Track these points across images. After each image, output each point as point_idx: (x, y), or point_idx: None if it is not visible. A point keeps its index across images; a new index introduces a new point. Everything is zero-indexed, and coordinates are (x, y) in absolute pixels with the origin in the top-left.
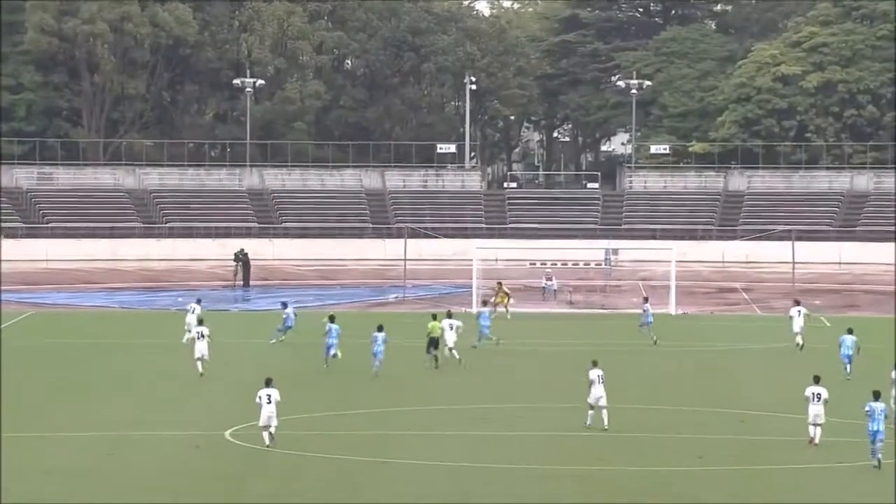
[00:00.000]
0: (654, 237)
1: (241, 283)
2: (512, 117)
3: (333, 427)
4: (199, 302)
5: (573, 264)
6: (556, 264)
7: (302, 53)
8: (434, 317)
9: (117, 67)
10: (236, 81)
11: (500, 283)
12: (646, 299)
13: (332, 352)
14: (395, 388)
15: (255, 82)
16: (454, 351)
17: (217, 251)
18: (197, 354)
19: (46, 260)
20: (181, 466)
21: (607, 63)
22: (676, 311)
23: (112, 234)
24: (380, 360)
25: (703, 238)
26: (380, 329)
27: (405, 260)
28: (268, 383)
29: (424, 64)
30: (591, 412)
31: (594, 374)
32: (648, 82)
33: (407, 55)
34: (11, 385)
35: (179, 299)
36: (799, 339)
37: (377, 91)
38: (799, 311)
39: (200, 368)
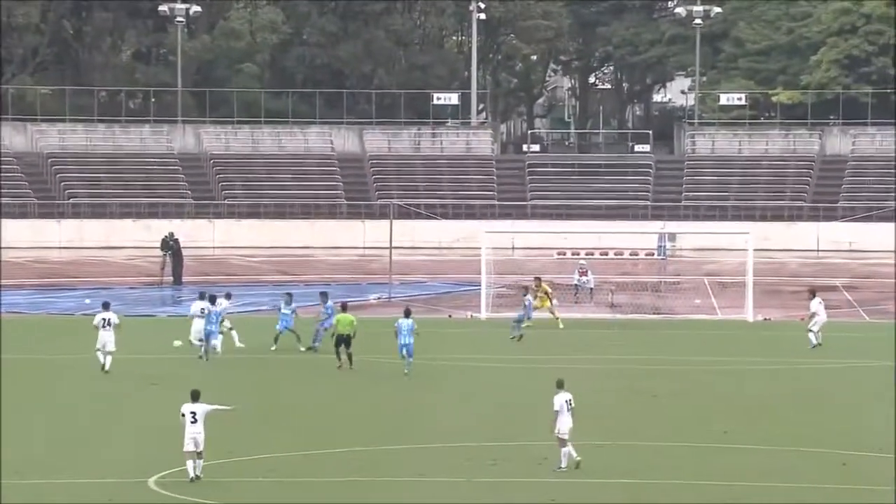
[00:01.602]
0: (724, 217)
1: (171, 278)
2: (534, 57)
3: (298, 471)
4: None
5: (616, 254)
6: (592, 254)
7: None
8: (343, 307)
9: None
10: (163, 8)
11: (538, 280)
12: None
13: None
14: (383, 419)
15: (188, 9)
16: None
17: (138, 236)
18: (99, 344)
19: None
20: None
21: None
22: (755, 316)
23: None
24: (410, 356)
25: (790, 219)
26: (407, 314)
27: (391, 248)
28: (194, 397)
29: None
30: (564, 450)
31: (560, 399)
32: (718, 9)
33: None
34: None
35: (87, 301)
36: (813, 339)
37: (353, 21)
38: (821, 304)
39: (102, 359)
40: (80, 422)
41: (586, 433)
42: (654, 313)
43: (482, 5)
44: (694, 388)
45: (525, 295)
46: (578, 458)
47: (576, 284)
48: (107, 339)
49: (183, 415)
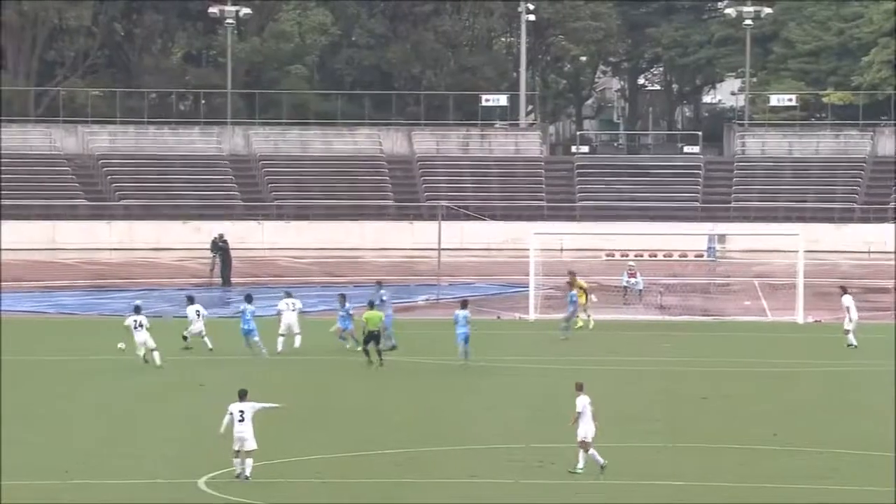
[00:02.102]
0: (775, 219)
1: (220, 280)
2: (583, 58)
3: (347, 473)
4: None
5: (665, 256)
6: (641, 256)
7: None
8: (371, 304)
9: None
10: (213, 10)
11: (572, 275)
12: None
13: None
14: (427, 420)
15: (238, 11)
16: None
17: (188, 238)
18: (139, 346)
19: None
20: None
21: None
22: (805, 318)
23: (46, 214)
24: (466, 346)
25: (841, 220)
26: (463, 306)
27: (439, 249)
28: (241, 396)
29: None
30: (590, 452)
31: (584, 402)
32: (768, 9)
33: None
34: None
35: (137, 302)
36: (852, 339)
37: (402, 23)
38: (852, 301)
39: (148, 358)
40: (129, 422)
41: (636, 435)
42: (703, 315)
43: (531, 6)
44: (744, 390)
45: (571, 291)
46: (604, 462)
47: (625, 286)
48: (144, 338)
49: (230, 413)
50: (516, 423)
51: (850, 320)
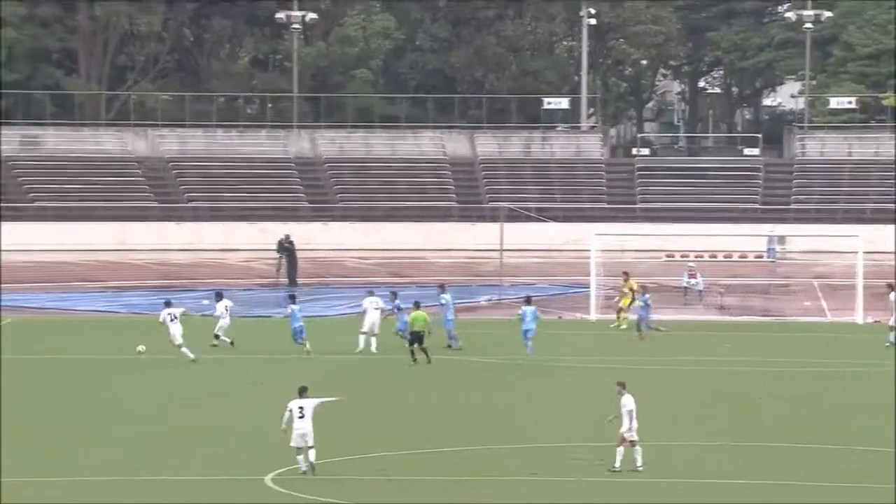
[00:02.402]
0: (834, 221)
1: (286, 280)
2: (643, 62)
3: (410, 470)
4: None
5: (725, 257)
6: (701, 257)
7: None
8: (417, 305)
9: None
10: (280, 15)
11: (626, 274)
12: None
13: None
14: (489, 418)
15: (304, 16)
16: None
17: (255, 238)
18: (177, 339)
19: (31, 250)
20: None
21: None
22: (865, 318)
23: (117, 216)
24: (529, 339)
25: None
26: (528, 302)
27: (501, 250)
28: (301, 392)
29: None
30: (636, 449)
31: (631, 401)
32: (828, 13)
33: None
34: None
35: (205, 302)
36: (892, 337)
37: (465, 27)
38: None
39: (191, 355)
40: (192, 420)
41: (696, 434)
42: (763, 315)
43: (592, 11)
44: (803, 390)
45: (644, 295)
46: (639, 466)
47: (685, 287)
48: (177, 331)
49: (290, 410)
50: (577, 422)
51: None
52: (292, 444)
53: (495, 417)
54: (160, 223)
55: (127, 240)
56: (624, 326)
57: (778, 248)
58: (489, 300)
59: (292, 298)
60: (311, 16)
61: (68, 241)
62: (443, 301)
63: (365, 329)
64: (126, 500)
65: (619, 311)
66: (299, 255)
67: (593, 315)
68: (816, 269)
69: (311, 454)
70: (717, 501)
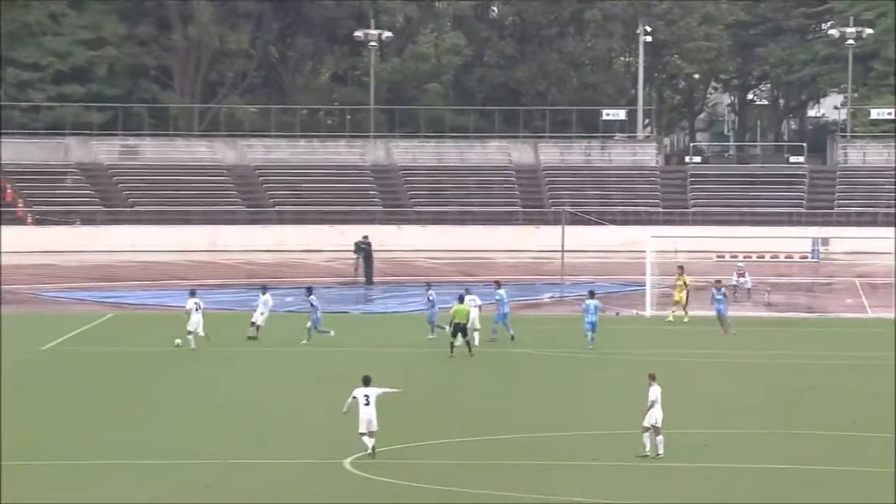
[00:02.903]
0: (874, 224)
1: (363, 279)
2: (696, 76)
3: (478, 455)
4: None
5: (772, 257)
6: (750, 257)
7: None
8: (461, 299)
9: (216, 17)
10: (358, 34)
11: (681, 269)
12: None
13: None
14: (549, 407)
15: (380, 35)
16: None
17: (334, 240)
18: (192, 326)
19: (130, 251)
20: (291, 502)
21: (817, 7)
22: None
23: (209, 219)
24: (594, 330)
25: None
26: (591, 296)
27: (563, 251)
28: (366, 382)
29: (588, 10)
30: (658, 438)
31: (656, 391)
32: (869, 30)
33: (567, 0)
34: (85, 403)
35: (289, 299)
36: None
37: (529, 44)
38: None
39: (193, 344)
40: (276, 408)
41: (744, 423)
42: (807, 312)
43: (648, 28)
44: (846, 382)
45: (719, 290)
46: (660, 453)
47: (734, 285)
48: (199, 319)
49: (354, 397)
50: (632, 411)
51: None
52: (361, 430)
53: (556, 406)
54: (248, 226)
55: (217, 241)
56: (670, 319)
57: (821, 248)
58: (551, 297)
59: (309, 291)
60: (387, 34)
61: (164, 243)
62: (497, 297)
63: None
64: (217, 483)
65: (675, 304)
66: (375, 255)
67: (648, 311)
68: (858, 269)
69: (373, 441)
70: (758, 484)
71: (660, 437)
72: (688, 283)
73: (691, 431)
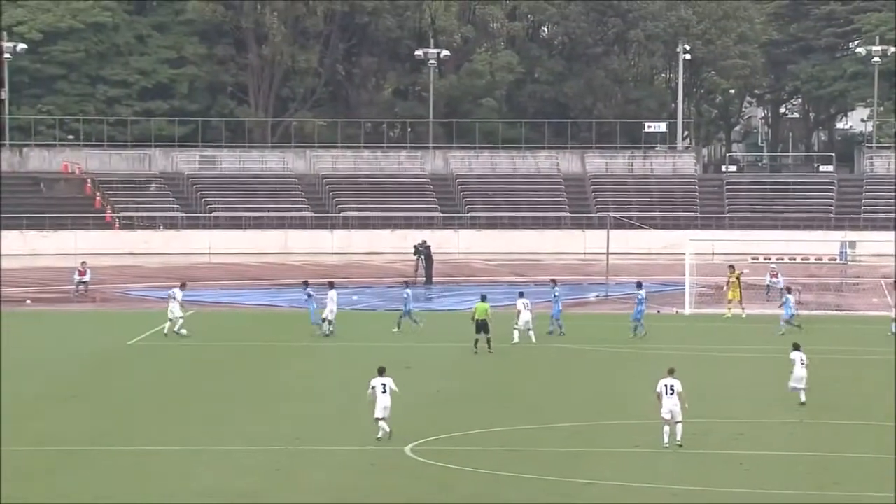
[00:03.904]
0: None
1: (423, 279)
2: (732, 91)
3: (527, 443)
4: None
5: (803, 259)
6: (782, 259)
7: (492, 20)
8: (483, 298)
9: (288, 38)
10: (418, 53)
11: (732, 268)
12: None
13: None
14: (594, 398)
15: (439, 53)
16: (531, 332)
17: (396, 243)
18: (173, 314)
19: (208, 253)
20: (355, 486)
21: (845, 27)
22: None
23: (281, 224)
24: (640, 322)
25: None
26: (639, 286)
27: (607, 254)
28: (381, 372)
29: (631, 31)
30: (666, 428)
31: (660, 384)
32: (893, 48)
33: (612, 21)
34: (166, 394)
35: (354, 297)
36: None
37: (577, 62)
38: None
39: (166, 330)
40: (344, 398)
41: (776, 412)
42: (836, 310)
43: (688, 47)
44: (873, 376)
45: (788, 293)
46: (679, 442)
47: (767, 285)
48: (175, 308)
49: (373, 387)
50: None
51: None
52: (376, 415)
53: (601, 397)
54: (316, 230)
55: (288, 244)
56: (728, 316)
57: (849, 251)
58: (597, 296)
59: (305, 284)
60: (445, 53)
61: (239, 246)
62: (556, 294)
63: (520, 325)
64: (286, 467)
65: (730, 301)
66: (434, 257)
67: (687, 310)
68: (883, 270)
69: (387, 425)
70: (785, 471)
71: (666, 428)
72: (740, 279)
73: (723, 421)
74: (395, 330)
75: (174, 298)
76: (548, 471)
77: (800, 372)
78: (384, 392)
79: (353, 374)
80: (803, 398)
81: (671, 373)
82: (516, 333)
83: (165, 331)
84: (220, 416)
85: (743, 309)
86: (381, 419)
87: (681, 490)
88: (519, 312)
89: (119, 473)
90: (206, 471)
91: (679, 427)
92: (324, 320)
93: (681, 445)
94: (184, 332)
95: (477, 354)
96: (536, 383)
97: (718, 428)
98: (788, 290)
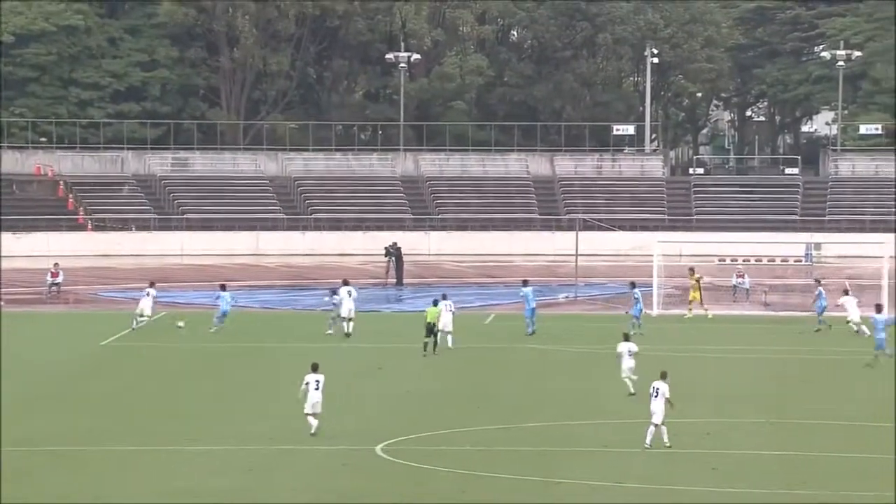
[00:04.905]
0: (862, 230)
1: (394, 280)
2: (699, 94)
3: (498, 442)
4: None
5: (769, 260)
6: (748, 260)
7: (462, 24)
8: (435, 302)
9: (259, 41)
10: (389, 56)
11: (692, 271)
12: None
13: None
14: (565, 398)
15: (409, 57)
16: (449, 336)
17: (367, 245)
18: (139, 309)
19: (180, 254)
20: (327, 485)
21: (810, 31)
22: (890, 314)
23: (252, 225)
24: (639, 321)
25: None
26: (632, 286)
27: (576, 255)
28: (314, 368)
29: (600, 34)
30: (651, 429)
31: (652, 386)
32: (858, 53)
33: (580, 25)
34: (136, 394)
35: (326, 298)
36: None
37: (546, 66)
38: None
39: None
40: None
41: (743, 412)
42: (801, 311)
43: (655, 51)
44: (837, 376)
45: (819, 284)
46: (668, 445)
47: (734, 286)
48: (146, 305)
49: (307, 383)
50: (642, 401)
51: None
52: (306, 410)
53: (572, 397)
54: (287, 232)
55: (260, 246)
56: (690, 317)
57: (814, 253)
58: (566, 297)
59: (223, 287)
60: (416, 56)
61: (211, 247)
62: (522, 293)
63: (440, 327)
64: (259, 467)
65: (690, 302)
66: (405, 259)
67: (655, 311)
68: (847, 272)
69: (317, 420)
70: (756, 470)
71: (651, 429)
72: (700, 281)
73: (691, 421)
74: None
75: (148, 295)
76: (518, 470)
77: (627, 363)
78: (316, 389)
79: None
80: (632, 389)
81: (663, 376)
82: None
83: (134, 325)
84: (191, 416)
85: (706, 309)
86: (311, 415)
87: (649, 489)
88: (439, 314)
89: (87, 474)
90: (176, 472)
91: (663, 429)
92: (344, 319)
93: (669, 446)
94: (136, 324)
95: (436, 356)
96: (507, 384)
97: (686, 427)
98: (818, 283)
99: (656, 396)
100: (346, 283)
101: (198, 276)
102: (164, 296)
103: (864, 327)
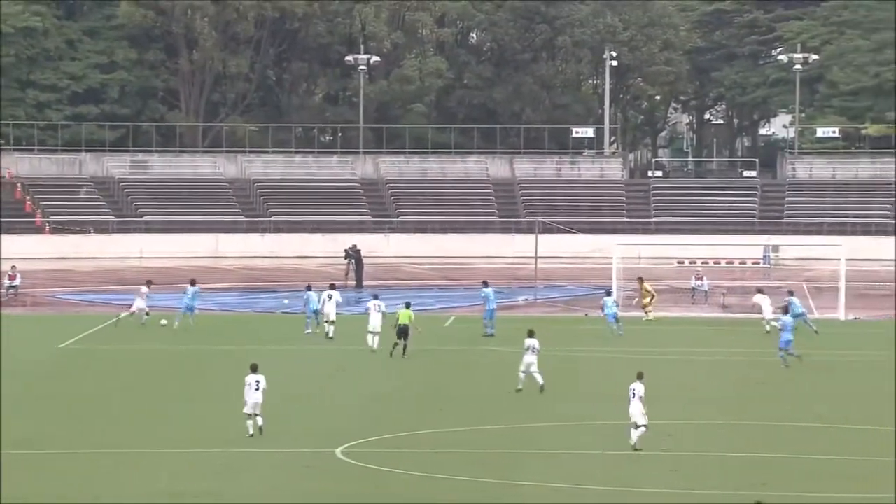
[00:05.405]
0: (820, 232)
1: (354, 283)
2: (657, 97)
3: (459, 444)
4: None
5: (727, 263)
6: (707, 263)
7: (422, 26)
8: (407, 305)
9: (218, 43)
10: (349, 58)
11: (640, 280)
12: (608, 292)
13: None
14: (526, 401)
15: (369, 59)
16: (376, 338)
17: (327, 247)
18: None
19: (139, 257)
20: (290, 488)
21: (767, 35)
22: (846, 316)
23: (212, 228)
24: (617, 323)
25: (877, 233)
26: (608, 293)
27: (536, 258)
28: (254, 369)
29: (559, 37)
30: (634, 431)
31: (630, 387)
32: (815, 56)
33: (539, 27)
34: (99, 396)
35: (285, 301)
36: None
37: (505, 68)
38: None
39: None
40: (276, 399)
41: (703, 414)
42: (759, 313)
43: (614, 54)
44: (794, 378)
45: (790, 295)
46: (638, 448)
47: (693, 288)
48: (141, 305)
49: (248, 384)
50: (602, 402)
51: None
52: (246, 410)
53: (533, 400)
54: (247, 234)
55: (219, 248)
56: (650, 318)
57: (772, 255)
58: (525, 300)
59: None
60: (375, 59)
61: (170, 250)
62: (482, 295)
63: (370, 328)
64: (224, 470)
65: (645, 307)
66: (365, 261)
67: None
68: (805, 274)
69: (259, 420)
70: (720, 472)
71: (639, 431)
72: (651, 290)
73: (655, 422)
74: (308, 332)
75: (142, 294)
76: (479, 472)
77: (529, 358)
78: (256, 389)
79: (282, 377)
80: (540, 380)
81: (639, 377)
82: (369, 337)
83: (120, 318)
84: (153, 418)
85: (647, 313)
86: (251, 415)
87: (610, 491)
88: (370, 315)
89: (50, 477)
90: (138, 475)
91: (639, 430)
92: (327, 321)
93: (637, 449)
94: (120, 317)
95: (403, 358)
96: (468, 386)
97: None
98: (790, 293)
99: (633, 398)
100: (332, 287)
101: (157, 278)
102: (122, 298)
103: (776, 324)
